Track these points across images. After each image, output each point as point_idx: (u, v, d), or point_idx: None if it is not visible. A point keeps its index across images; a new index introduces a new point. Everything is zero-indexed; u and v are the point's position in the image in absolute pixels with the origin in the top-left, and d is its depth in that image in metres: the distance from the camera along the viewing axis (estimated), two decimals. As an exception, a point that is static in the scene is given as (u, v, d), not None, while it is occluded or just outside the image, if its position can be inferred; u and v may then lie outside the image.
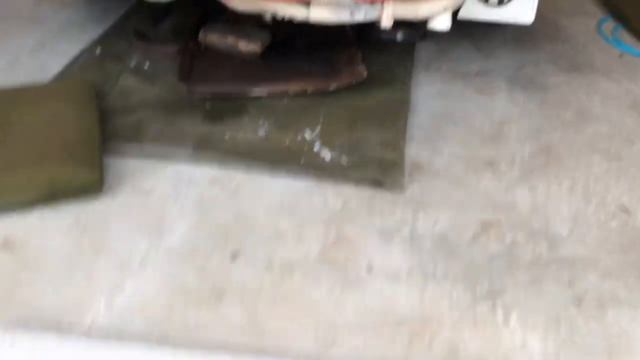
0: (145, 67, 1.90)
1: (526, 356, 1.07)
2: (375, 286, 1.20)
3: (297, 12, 1.76)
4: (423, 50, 2.14)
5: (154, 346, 1.05)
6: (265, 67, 1.90)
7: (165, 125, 1.61)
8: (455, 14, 1.88)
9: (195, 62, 1.90)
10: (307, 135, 1.61)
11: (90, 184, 1.35)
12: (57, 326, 1.08)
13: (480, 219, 1.38)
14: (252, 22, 2.01)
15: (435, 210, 1.40)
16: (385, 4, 1.69)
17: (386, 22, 1.73)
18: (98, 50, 1.97)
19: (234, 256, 1.25)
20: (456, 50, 2.15)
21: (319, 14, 1.75)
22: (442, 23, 1.76)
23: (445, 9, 1.72)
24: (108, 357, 1.04)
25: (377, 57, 2.01)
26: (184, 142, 1.55)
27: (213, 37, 1.99)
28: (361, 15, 1.74)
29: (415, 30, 2.18)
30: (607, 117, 1.80)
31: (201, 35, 2.01)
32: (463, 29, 2.26)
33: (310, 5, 1.74)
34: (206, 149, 1.53)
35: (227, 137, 1.58)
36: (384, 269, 1.23)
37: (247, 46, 1.96)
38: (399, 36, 2.16)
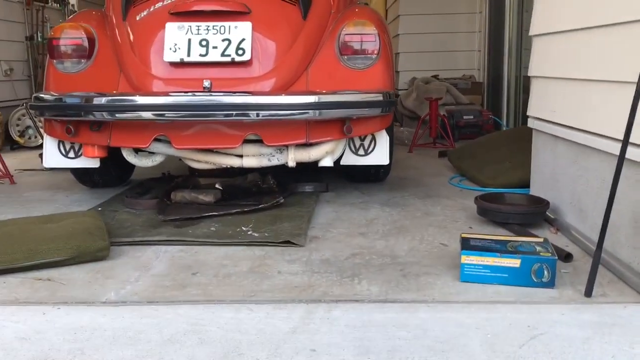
0: (134, 211, 2.79)
1: (368, 293, 1.83)
2: (281, 277, 1.96)
3: (235, 162, 2.76)
4: (326, 195, 3.11)
5: (145, 304, 1.77)
6: (215, 206, 2.81)
7: (148, 228, 2.45)
8: (338, 161, 2.90)
9: (168, 206, 2.81)
10: (244, 228, 2.47)
11: (102, 249, 2.13)
12: (85, 302, 1.79)
13: (351, 252, 2.20)
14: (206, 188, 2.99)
15: (323, 251, 2.22)
16: (289, 151, 2.72)
17: (291, 163, 2.74)
18: (102, 208, 2.87)
19: (194, 274, 2.01)
20: (347, 195, 3.14)
21: (249, 162, 2.76)
22: (327, 162, 2.77)
23: (327, 153, 2.76)
24: (117, 313, 1.74)
25: (294, 198, 2.96)
26: (161, 234, 2.38)
27: (181, 195, 2.94)
28: (275, 160, 2.75)
29: (321, 185, 3.19)
30: (444, 214, 2.73)
31: (172, 195, 2.95)
32: (353, 185, 3.30)
33: (243, 157, 2.76)
34: (175, 236, 2.36)
35: (190, 231, 2.42)
36: (288, 272, 2.01)
37: (205, 198, 2.90)
38: (309, 188, 3.15)
